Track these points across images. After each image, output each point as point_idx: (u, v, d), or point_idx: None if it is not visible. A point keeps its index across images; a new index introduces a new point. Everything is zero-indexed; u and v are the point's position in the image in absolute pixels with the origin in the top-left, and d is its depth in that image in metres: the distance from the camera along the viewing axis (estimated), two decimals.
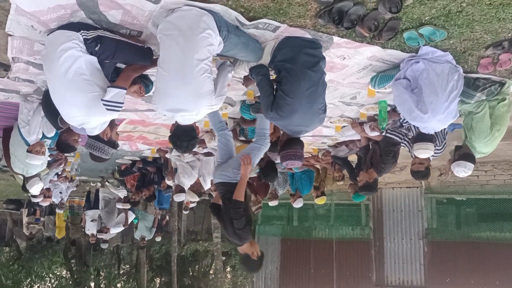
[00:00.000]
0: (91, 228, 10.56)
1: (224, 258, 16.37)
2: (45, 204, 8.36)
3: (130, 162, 8.21)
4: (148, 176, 8.10)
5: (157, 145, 6.68)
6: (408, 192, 8.47)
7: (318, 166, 7.22)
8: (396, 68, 3.41)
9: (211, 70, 2.73)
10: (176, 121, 2.93)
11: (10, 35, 3.04)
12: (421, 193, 8.34)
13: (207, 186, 6.08)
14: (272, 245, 10.51)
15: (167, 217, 12.57)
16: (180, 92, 2.66)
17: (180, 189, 6.68)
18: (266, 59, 3.02)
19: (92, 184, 11.97)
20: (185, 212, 11.97)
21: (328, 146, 6.36)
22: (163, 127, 5.56)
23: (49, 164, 7.03)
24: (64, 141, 4.06)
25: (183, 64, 2.61)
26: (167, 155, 6.81)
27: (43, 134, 4.50)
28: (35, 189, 5.19)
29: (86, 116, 2.83)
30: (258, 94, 4.09)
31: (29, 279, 16.87)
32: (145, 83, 3.67)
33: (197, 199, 6.23)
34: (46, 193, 7.70)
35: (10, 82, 3.92)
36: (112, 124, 3.08)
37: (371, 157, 5.00)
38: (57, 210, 11.30)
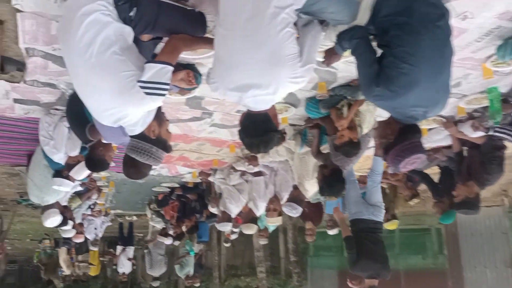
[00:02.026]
0: (125, 267, 9.77)
1: None
2: (78, 240, 7.62)
3: (168, 190, 7.41)
4: (189, 205, 7.26)
5: (199, 167, 5.84)
6: (488, 212, 7.25)
7: (384, 185, 6.20)
8: None
9: (294, 26, 1.89)
10: (247, 109, 2.09)
11: (18, 10, 2.31)
12: (504, 212, 7.13)
13: (259, 211, 5.16)
14: (328, 279, 9.37)
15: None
16: (251, 57, 1.83)
17: (228, 218, 5.78)
18: (363, 17, 2.15)
19: (127, 218, 11.25)
20: (226, 245, 10.99)
21: None
22: (208, 143, 4.73)
23: (80, 195, 6.35)
24: (100, 156, 3.25)
25: (255, 15, 1.78)
26: (211, 178, 5.96)
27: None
28: (50, 222, 4.41)
29: (120, 106, 2.02)
30: (332, 86, 3.24)
31: None
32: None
33: (255, 230, 5.31)
34: (78, 228, 6.97)
35: (27, 89, 3.21)
36: (160, 117, 2.25)
37: (468, 166, 4.00)
38: (91, 248, 10.59)
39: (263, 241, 8.55)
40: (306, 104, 3.48)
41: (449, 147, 4.49)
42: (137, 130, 2.16)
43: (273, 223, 4.73)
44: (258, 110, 2.03)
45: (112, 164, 5.43)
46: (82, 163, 3.66)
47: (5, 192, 7.62)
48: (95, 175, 6.03)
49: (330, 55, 2.40)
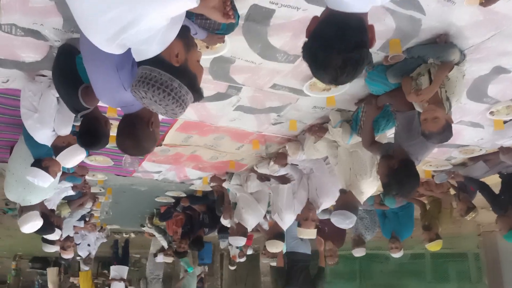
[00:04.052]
0: None
1: None
2: (67, 257, 6.68)
3: (173, 201, 6.54)
4: (196, 218, 6.38)
5: (213, 170, 5.01)
6: None
7: (425, 200, 5.36)
8: None
9: None
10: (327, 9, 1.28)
11: None
12: None
13: (286, 224, 4.29)
14: None
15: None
16: None
17: (243, 231, 4.90)
18: None
19: (124, 235, 10.32)
20: (231, 268, 10.10)
21: (452, 165, 4.53)
22: (227, 136, 3.91)
23: (71, 202, 5.49)
24: (98, 128, 2.45)
25: None
26: (225, 185, 5.12)
27: None
28: (29, 227, 3.51)
29: (129, 2, 1.22)
30: (408, 46, 2.45)
31: None
32: None
33: (281, 247, 4.46)
34: (64, 243, 6.08)
35: (4, 39, 2.42)
36: (188, 39, 1.46)
37: None
38: (83, 267, 9.60)
39: (273, 263, 7.63)
40: (368, 73, 2.66)
41: None
42: (151, 51, 1.36)
43: (307, 236, 3.85)
44: (354, 11, 1.23)
45: (111, 162, 4.68)
46: (74, 146, 2.85)
47: None
48: (89, 177, 5.20)
49: None
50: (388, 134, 3.36)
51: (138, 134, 1.83)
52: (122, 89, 1.78)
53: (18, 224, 3.59)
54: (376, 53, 2.51)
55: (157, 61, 1.36)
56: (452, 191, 4.87)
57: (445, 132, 2.32)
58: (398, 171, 2.52)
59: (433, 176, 4.77)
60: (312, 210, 3.70)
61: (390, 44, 2.39)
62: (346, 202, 3.16)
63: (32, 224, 3.56)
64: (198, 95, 1.46)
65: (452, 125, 3.52)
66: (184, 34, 1.41)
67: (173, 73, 1.37)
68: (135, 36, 1.31)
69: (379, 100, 2.75)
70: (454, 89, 2.37)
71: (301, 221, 3.78)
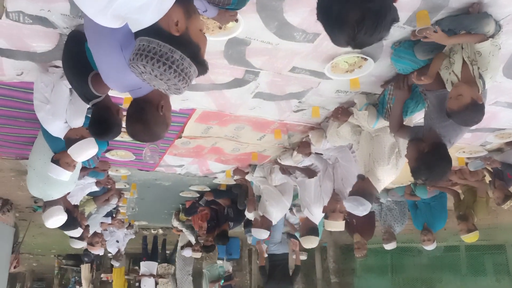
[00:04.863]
0: (148, 285, 8.82)
1: None
2: (97, 252, 6.71)
3: (198, 195, 6.47)
4: (221, 212, 6.29)
5: (235, 163, 4.90)
6: None
7: (458, 189, 5.08)
8: None
9: None
10: None
11: None
12: None
13: (317, 218, 4.14)
14: None
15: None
16: None
17: (267, 224, 4.77)
18: None
19: (152, 231, 10.37)
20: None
21: (487, 151, 4.26)
22: (248, 126, 3.78)
23: (97, 197, 5.49)
24: (109, 116, 2.38)
25: None
26: (248, 177, 5.00)
27: None
28: (53, 221, 3.47)
29: None
30: (437, 18, 2.26)
31: None
32: None
33: (317, 242, 4.34)
34: (92, 239, 6.09)
35: (13, 28, 2.37)
36: (189, 5, 1.34)
37: None
38: (114, 263, 9.71)
39: (303, 257, 7.52)
40: (394, 50, 2.48)
41: None
42: (147, 20, 1.24)
43: (335, 228, 3.68)
44: None
45: (132, 157, 4.63)
46: (86, 140, 2.78)
47: (18, 196, 6.83)
48: (113, 173, 5.18)
49: None
50: (417, 119, 3.17)
51: (148, 118, 1.74)
52: (128, 70, 1.67)
53: (43, 218, 3.57)
54: (402, 28, 2.33)
55: (155, 31, 1.24)
56: (488, 179, 4.60)
57: (468, 111, 2.12)
58: (428, 155, 2.34)
59: (467, 163, 4.52)
60: (339, 201, 3.53)
61: (417, 17, 2.20)
62: (362, 188, 3.00)
63: (56, 219, 3.53)
64: (202, 67, 1.34)
65: (487, 106, 3.30)
66: (184, 0, 1.29)
67: (173, 43, 1.25)
68: (128, 3, 1.19)
69: (409, 79, 2.55)
70: (487, 65, 2.16)
71: (328, 213, 3.61)
